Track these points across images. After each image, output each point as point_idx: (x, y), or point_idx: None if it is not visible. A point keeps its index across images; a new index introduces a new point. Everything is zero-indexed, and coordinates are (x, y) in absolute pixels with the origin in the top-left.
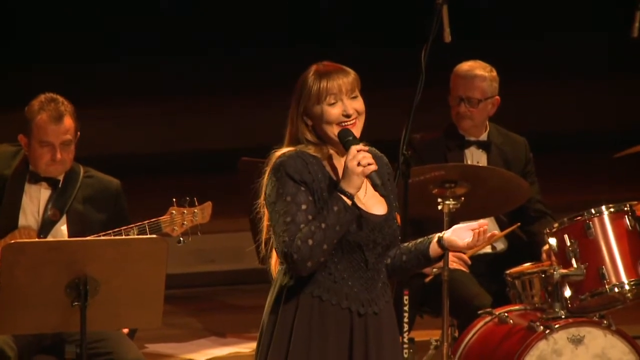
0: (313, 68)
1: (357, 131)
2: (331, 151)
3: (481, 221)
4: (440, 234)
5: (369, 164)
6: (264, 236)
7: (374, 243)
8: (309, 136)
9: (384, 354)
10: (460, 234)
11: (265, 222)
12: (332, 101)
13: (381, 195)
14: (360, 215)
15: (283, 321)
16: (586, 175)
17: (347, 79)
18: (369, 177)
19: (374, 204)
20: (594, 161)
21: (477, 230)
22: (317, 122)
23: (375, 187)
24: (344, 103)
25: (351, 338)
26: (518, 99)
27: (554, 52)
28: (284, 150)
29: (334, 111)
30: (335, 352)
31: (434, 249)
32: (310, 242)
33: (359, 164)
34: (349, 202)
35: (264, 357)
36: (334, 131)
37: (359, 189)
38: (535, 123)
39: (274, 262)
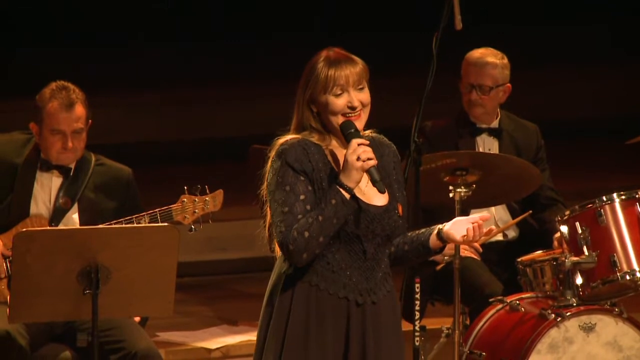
0: (323, 54)
1: (361, 123)
2: (334, 141)
3: (483, 214)
4: (440, 226)
5: (368, 159)
6: (267, 221)
7: (372, 234)
8: (314, 123)
9: (383, 343)
10: (460, 227)
11: (268, 208)
12: (339, 92)
13: (379, 191)
14: (359, 207)
15: (280, 308)
16: (598, 162)
17: (355, 69)
18: (368, 172)
19: (374, 194)
20: (606, 148)
21: (472, 226)
22: (322, 111)
23: (374, 182)
24: (349, 94)
25: (348, 327)
26: (531, 85)
27: (567, 39)
28: (287, 137)
29: (339, 102)
30: (332, 340)
31: (433, 240)
32: (306, 234)
33: (358, 159)
34: (347, 195)
35: (262, 343)
36: (338, 121)
37: (358, 182)
38: (548, 110)
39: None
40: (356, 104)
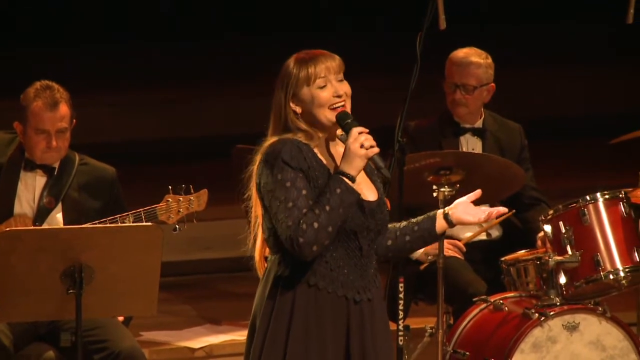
0: (294, 56)
1: None
2: (321, 138)
3: (475, 192)
4: (442, 210)
5: (371, 146)
6: (252, 227)
7: (367, 229)
8: (299, 124)
9: (377, 340)
10: (466, 208)
11: (253, 214)
12: (322, 84)
13: (385, 176)
14: (358, 201)
15: (280, 311)
16: (585, 162)
17: (333, 61)
18: (371, 159)
19: (365, 189)
20: (592, 147)
21: (491, 212)
22: (307, 107)
23: (379, 169)
24: (332, 84)
25: (348, 325)
26: (518, 84)
27: (555, 37)
28: (274, 138)
29: (324, 94)
30: (333, 340)
31: (440, 224)
32: (315, 225)
33: (362, 146)
34: (350, 183)
35: (260, 347)
36: (326, 115)
37: (359, 171)
38: (535, 109)
39: (258, 258)
40: (341, 92)
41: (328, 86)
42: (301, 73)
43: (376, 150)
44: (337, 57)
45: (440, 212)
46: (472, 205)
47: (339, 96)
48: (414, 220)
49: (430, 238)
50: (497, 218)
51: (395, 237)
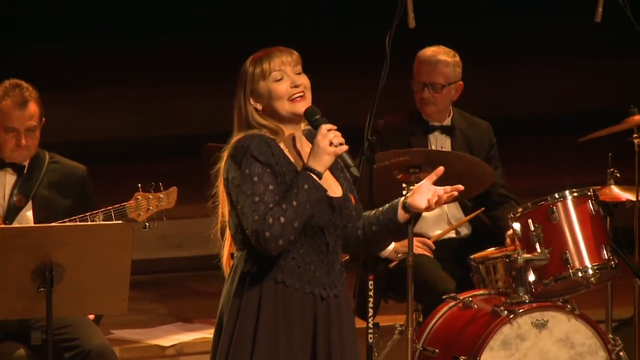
0: (251, 56)
1: (307, 104)
2: (286, 132)
3: (438, 169)
4: (404, 198)
5: (340, 144)
6: (219, 224)
7: (333, 226)
8: (261, 120)
9: (345, 337)
10: (423, 196)
11: (220, 210)
12: (278, 77)
13: (354, 174)
14: (326, 197)
15: (247, 307)
16: (554, 160)
17: (290, 55)
18: (340, 157)
19: (330, 185)
20: (560, 145)
21: (432, 199)
22: (266, 102)
23: (348, 167)
24: (289, 76)
25: (315, 322)
26: (486, 82)
27: (523, 35)
28: (242, 134)
29: (281, 87)
30: (300, 336)
31: (401, 214)
32: (282, 219)
33: (331, 144)
34: (317, 179)
35: (227, 345)
36: (285, 107)
37: (327, 168)
38: (504, 106)
39: (226, 257)
40: (298, 82)
41: (285, 78)
42: (256, 70)
43: (345, 148)
44: (293, 51)
45: (402, 199)
46: (431, 186)
47: (297, 86)
48: (379, 209)
49: (394, 226)
50: (453, 197)
51: (363, 226)
